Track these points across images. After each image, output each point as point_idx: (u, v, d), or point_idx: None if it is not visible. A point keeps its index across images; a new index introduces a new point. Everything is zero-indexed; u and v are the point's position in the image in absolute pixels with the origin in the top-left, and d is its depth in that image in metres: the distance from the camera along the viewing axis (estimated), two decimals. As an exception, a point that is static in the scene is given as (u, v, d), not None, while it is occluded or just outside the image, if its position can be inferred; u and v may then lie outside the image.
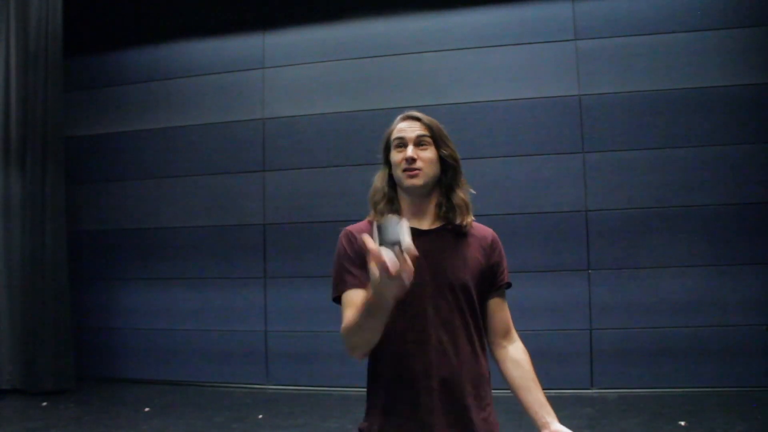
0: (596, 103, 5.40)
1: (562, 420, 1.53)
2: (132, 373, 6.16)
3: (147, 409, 5.04)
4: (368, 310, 1.31)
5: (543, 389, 1.58)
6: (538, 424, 1.48)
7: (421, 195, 1.56)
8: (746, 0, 5.24)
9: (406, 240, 1.16)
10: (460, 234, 1.57)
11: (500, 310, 1.61)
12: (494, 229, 1.64)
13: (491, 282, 1.59)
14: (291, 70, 6.05)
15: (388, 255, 1.15)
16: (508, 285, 1.63)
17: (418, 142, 1.55)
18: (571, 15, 5.47)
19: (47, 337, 5.62)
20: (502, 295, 1.62)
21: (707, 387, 4.97)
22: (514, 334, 1.62)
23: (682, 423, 4.15)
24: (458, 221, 1.56)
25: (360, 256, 1.51)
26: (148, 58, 6.42)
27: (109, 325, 6.34)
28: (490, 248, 1.60)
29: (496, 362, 1.60)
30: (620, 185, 5.32)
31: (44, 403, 5.22)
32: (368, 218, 1.62)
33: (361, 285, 1.48)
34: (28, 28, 5.91)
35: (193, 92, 6.27)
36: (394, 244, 1.16)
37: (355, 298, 1.48)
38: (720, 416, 4.30)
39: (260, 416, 4.79)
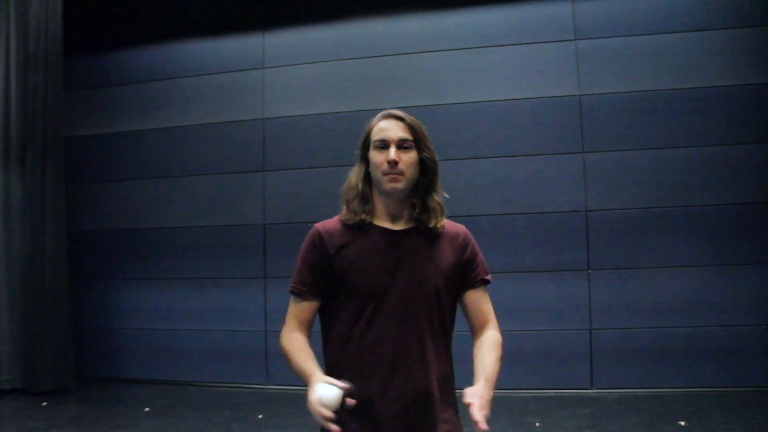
0: (596, 103, 5.39)
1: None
2: (132, 373, 6.16)
3: (147, 409, 5.04)
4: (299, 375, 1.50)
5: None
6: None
7: (399, 199, 1.55)
8: (746, 0, 5.25)
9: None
10: (432, 235, 1.56)
11: (477, 305, 1.58)
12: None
13: (465, 279, 1.58)
14: (291, 70, 6.05)
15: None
16: (486, 281, 1.60)
17: (401, 145, 1.52)
18: (571, 15, 5.47)
19: (47, 337, 5.62)
20: (479, 291, 1.59)
21: (707, 387, 4.97)
22: (491, 326, 1.58)
23: (682, 423, 4.15)
24: (432, 224, 1.54)
25: (319, 261, 1.56)
26: (148, 58, 6.42)
27: (109, 325, 6.33)
28: (462, 246, 1.59)
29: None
30: (620, 185, 5.32)
31: (44, 403, 5.22)
32: (340, 216, 1.61)
33: (309, 295, 1.56)
34: (28, 28, 5.90)
35: (193, 92, 6.27)
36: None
37: (299, 311, 1.57)
38: (720, 416, 4.30)
39: (260, 416, 4.79)
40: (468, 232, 1.63)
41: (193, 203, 6.21)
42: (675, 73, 5.28)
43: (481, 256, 1.62)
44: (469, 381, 1.46)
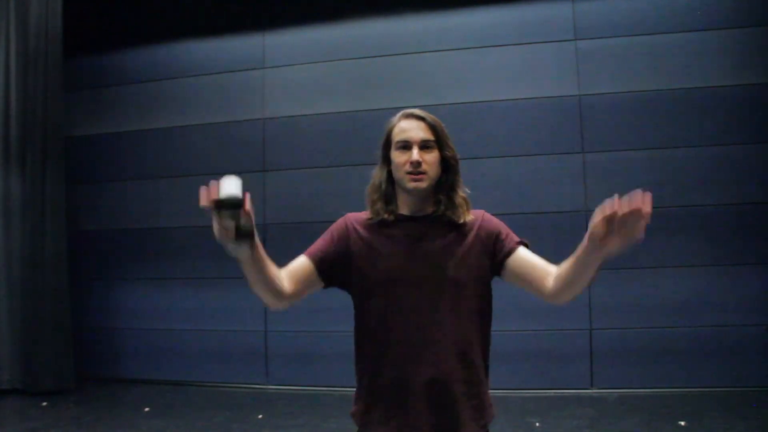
0: (596, 103, 5.39)
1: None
2: (132, 373, 6.16)
3: (147, 409, 5.04)
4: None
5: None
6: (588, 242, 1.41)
7: (422, 196, 1.57)
8: (746, 0, 5.25)
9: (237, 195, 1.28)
10: (454, 225, 1.57)
11: (525, 262, 1.56)
12: None
13: (496, 256, 1.56)
14: (291, 70, 6.05)
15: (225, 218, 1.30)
16: (524, 244, 1.59)
17: (423, 145, 1.54)
18: (571, 15, 5.47)
19: (47, 337, 5.62)
20: (519, 253, 1.57)
21: (707, 387, 4.97)
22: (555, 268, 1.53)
23: (682, 423, 4.16)
24: (461, 220, 1.56)
25: (341, 240, 1.59)
26: (148, 58, 6.42)
27: (109, 325, 6.33)
28: (480, 226, 1.59)
29: (555, 295, 1.54)
30: (620, 185, 5.27)
31: (44, 403, 5.22)
32: (367, 212, 1.64)
33: (312, 257, 1.58)
34: (28, 28, 5.90)
35: (193, 92, 6.27)
36: (231, 205, 1.28)
37: (295, 262, 1.60)
38: (720, 416, 4.30)
39: (260, 416, 4.79)
40: (485, 213, 1.62)
41: (193, 203, 6.12)
42: (675, 73, 5.28)
43: (505, 228, 1.60)
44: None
